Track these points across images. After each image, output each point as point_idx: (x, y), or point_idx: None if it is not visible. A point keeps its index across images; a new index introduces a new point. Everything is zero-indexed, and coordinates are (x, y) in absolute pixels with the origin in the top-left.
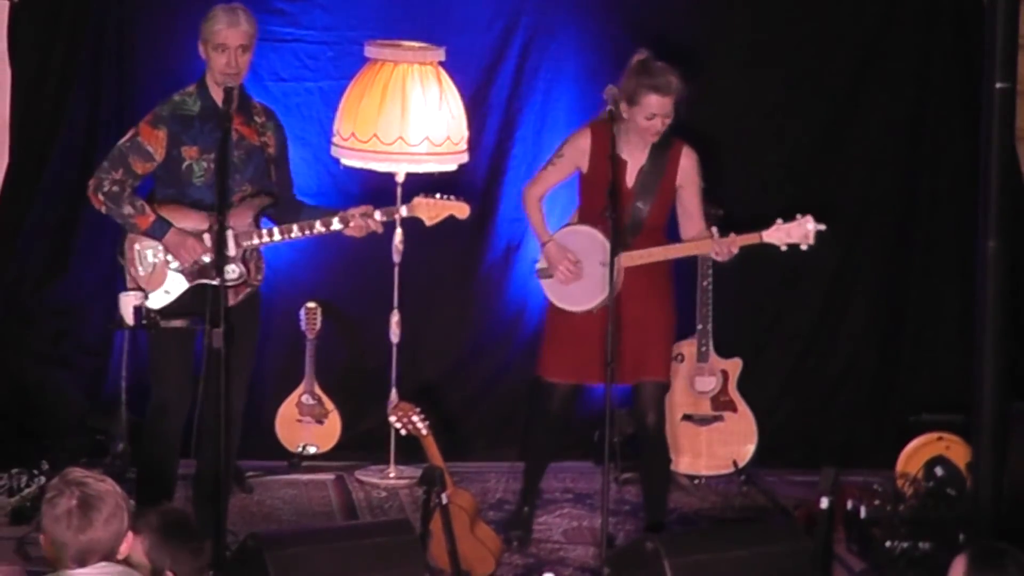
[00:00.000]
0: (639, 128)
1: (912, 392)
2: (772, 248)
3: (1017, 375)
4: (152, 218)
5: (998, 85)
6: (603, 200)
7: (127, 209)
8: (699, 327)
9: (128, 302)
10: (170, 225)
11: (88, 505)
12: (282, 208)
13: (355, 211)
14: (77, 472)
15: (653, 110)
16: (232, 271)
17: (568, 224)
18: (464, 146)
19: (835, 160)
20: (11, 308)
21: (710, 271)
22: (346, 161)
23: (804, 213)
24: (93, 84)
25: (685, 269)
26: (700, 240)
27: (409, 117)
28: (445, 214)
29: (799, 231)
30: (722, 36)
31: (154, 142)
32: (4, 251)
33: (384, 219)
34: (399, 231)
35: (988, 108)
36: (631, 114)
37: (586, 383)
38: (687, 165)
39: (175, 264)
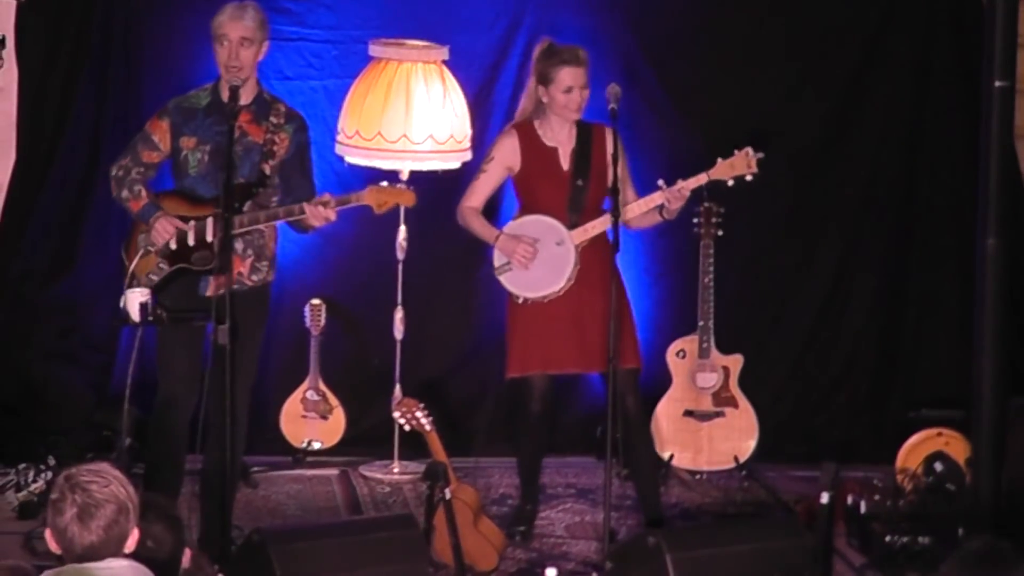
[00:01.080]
0: (559, 106)
1: (912, 388)
2: (771, 243)
3: (1016, 371)
4: (144, 202)
5: (997, 84)
6: (543, 189)
7: (124, 193)
8: (700, 323)
9: (134, 298)
10: (158, 209)
11: (88, 514)
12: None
13: (316, 200)
14: (82, 475)
15: (568, 82)
16: (205, 258)
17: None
18: (468, 144)
19: (835, 160)
20: (18, 304)
21: (711, 268)
22: (350, 159)
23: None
24: (99, 83)
25: (686, 267)
26: (651, 195)
27: (413, 115)
28: (392, 202)
29: (741, 161)
30: (722, 35)
31: (158, 132)
32: (11, 248)
33: (338, 207)
34: (403, 228)
35: (987, 107)
36: (549, 95)
37: (555, 371)
38: (612, 140)
39: (159, 248)
